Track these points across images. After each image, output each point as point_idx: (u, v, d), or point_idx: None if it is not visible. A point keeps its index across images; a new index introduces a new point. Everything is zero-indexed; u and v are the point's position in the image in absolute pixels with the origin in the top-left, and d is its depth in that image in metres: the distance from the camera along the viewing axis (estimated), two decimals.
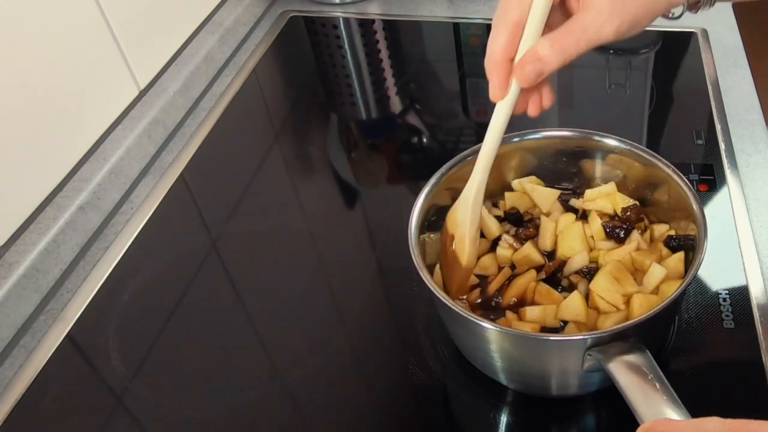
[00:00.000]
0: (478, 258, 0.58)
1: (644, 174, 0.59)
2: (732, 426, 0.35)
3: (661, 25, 0.94)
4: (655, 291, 0.54)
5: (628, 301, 0.53)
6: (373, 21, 1.04)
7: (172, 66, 0.89)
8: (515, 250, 0.59)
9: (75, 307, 0.65)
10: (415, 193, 0.57)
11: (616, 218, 0.60)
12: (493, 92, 0.46)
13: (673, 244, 0.56)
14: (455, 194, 0.61)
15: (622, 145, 0.59)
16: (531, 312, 0.54)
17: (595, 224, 0.59)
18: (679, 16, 0.51)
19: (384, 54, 1.00)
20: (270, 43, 1.01)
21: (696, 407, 0.41)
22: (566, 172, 0.64)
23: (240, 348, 0.63)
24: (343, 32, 1.05)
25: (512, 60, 0.45)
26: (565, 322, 0.54)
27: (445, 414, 0.58)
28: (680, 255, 0.55)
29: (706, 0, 0.49)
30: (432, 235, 0.59)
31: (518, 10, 0.44)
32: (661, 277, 0.54)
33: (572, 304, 0.53)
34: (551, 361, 0.51)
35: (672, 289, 0.52)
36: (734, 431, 0.35)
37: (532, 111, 0.49)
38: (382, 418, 0.58)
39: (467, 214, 0.53)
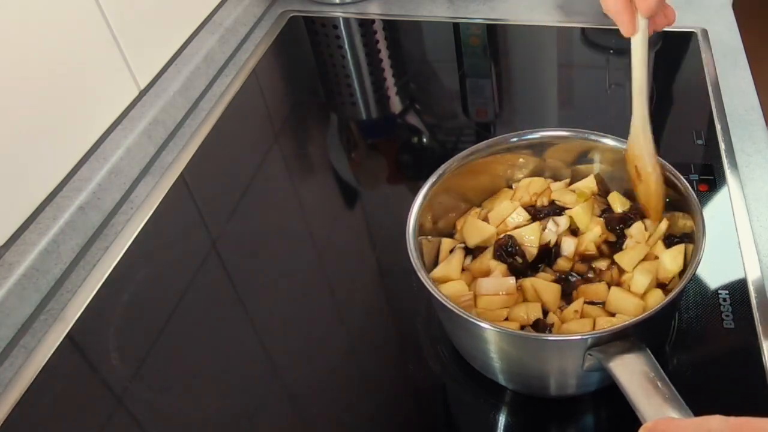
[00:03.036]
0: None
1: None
2: (735, 424, 0.35)
3: None
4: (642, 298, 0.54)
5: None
6: (373, 21, 1.04)
7: (172, 66, 0.89)
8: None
9: (75, 307, 0.65)
10: (415, 193, 0.57)
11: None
12: (626, 29, 0.50)
13: (675, 242, 0.57)
14: (455, 194, 0.61)
15: (622, 145, 0.59)
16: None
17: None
18: None
19: (384, 54, 1.00)
20: (270, 43, 1.01)
21: (696, 406, 0.41)
22: (566, 171, 0.64)
23: (240, 348, 0.63)
24: (343, 32, 1.05)
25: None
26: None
27: (444, 414, 0.58)
28: (680, 248, 0.55)
29: None
30: (431, 237, 0.59)
31: None
32: (647, 285, 0.54)
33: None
34: (551, 361, 0.51)
35: (656, 296, 0.53)
36: (737, 429, 0.35)
37: (660, 25, 0.52)
38: (382, 418, 0.58)
39: (642, 145, 0.56)
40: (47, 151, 0.71)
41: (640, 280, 0.54)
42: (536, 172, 0.64)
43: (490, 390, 0.57)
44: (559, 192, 0.62)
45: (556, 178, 0.64)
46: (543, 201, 0.62)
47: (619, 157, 0.60)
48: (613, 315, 0.53)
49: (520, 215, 0.60)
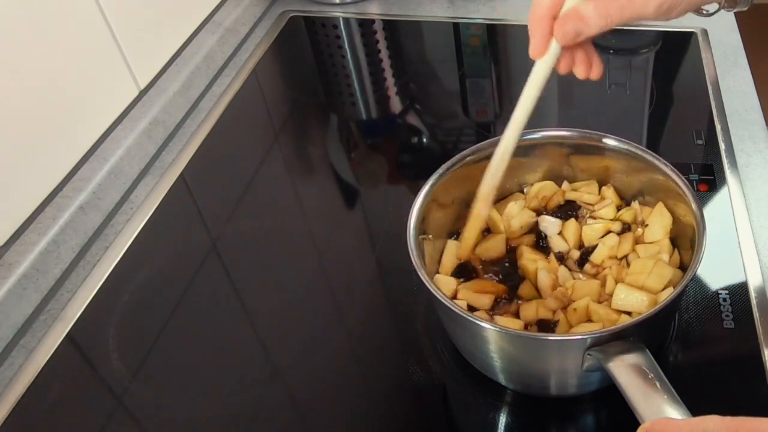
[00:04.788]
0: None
1: (643, 174, 0.59)
2: (732, 424, 0.35)
3: (661, 25, 0.94)
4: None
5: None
6: (373, 21, 1.04)
7: (172, 66, 0.89)
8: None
9: (75, 307, 0.65)
10: (415, 193, 0.57)
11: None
12: (533, 49, 0.46)
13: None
14: (455, 194, 0.61)
15: (622, 145, 0.59)
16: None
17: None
18: (714, 13, 0.51)
19: (384, 54, 1.00)
20: (270, 43, 1.01)
21: (696, 406, 0.41)
22: (565, 172, 0.64)
23: (240, 348, 0.63)
24: (343, 32, 1.05)
25: (555, 18, 0.45)
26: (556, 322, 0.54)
27: (444, 414, 0.58)
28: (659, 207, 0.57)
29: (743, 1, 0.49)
30: (431, 237, 0.59)
31: None
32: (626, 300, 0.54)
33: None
34: (550, 360, 0.51)
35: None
36: (734, 429, 0.35)
37: (580, 74, 0.49)
38: (382, 418, 0.58)
39: (490, 172, 0.54)
40: (47, 151, 0.71)
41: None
42: (548, 176, 0.64)
43: (490, 390, 0.57)
44: (574, 193, 0.63)
45: (554, 179, 0.64)
46: (557, 202, 0.63)
47: (618, 157, 0.60)
48: (618, 313, 0.54)
49: (527, 217, 0.61)
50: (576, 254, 0.59)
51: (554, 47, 0.46)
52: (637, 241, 0.58)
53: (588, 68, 0.48)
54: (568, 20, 0.44)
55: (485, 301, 0.56)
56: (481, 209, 0.56)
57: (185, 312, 0.66)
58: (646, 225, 0.58)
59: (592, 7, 0.44)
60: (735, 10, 0.51)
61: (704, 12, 0.50)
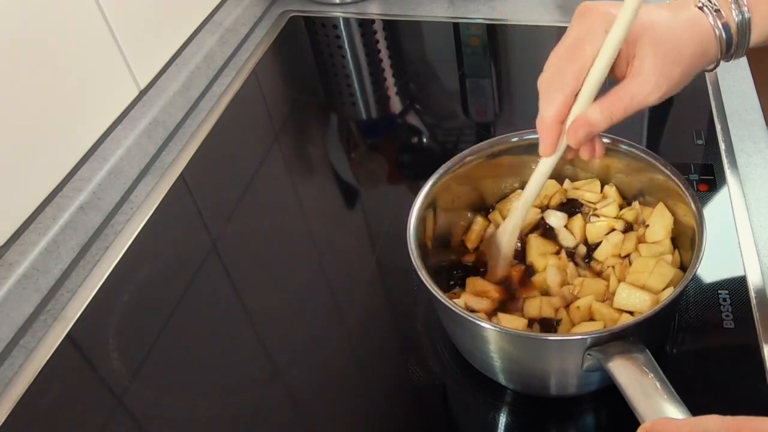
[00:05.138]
0: None
1: (644, 174, 0.59)
2: (731, 424, 0.35)
3: None
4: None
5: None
6: (373, 21, 1.04)
7: (172, 66, 0.89)
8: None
9: (75, 307, 0.65)
10: (415, 193, 0.57)
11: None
12: (544, 150, 0.51)
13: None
14: (455, 194, 0.61)
15: (622, 146, 0.59)
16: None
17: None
18: (713, 69, 0.55)
19: (384, 54, 1.00)
20: (270, 43, 1.01)
21: (696, 406, 0.41)
22: (566, 170, 0.64)
23: (240, 348, 0.63)
24: (343, 32, 1.05)
25: (562, 123, 0.50)
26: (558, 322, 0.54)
27: (444, 414, 0.58)
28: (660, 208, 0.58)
29: (738, 51, 0.53)
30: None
31: (575, 81, 0.48)
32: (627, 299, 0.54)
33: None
34: (550, 360, 0.51)
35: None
36: (734, 429, 0.35)
37: (585, 157, 0.53)
38: (382, 418, 0.58)
39: (501, 245, 0.58)
40: (47, 151, 0.71)
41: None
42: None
43: (490, 390, 0.57)
44: (576, 191, 0.63)
45: (572, 179, 0.64)
46: (558, 200, 0.63)
47: (618, 157, 0.60)
48: (620, 312, 0.54)
49: (530, 215, 0.61)
50: (583, 250, 0.59)
51: (562, 146, 0.51)
52: (639, 240, 0.58)
53: (593, 152, 0.53)
54: (578, 128, 0.49)
55: (485, 304, 0.56)
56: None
57: (185, 312, 0.66)
58: (647, 225, 0.58)
59: (598, 111, 0.48)
60: (732, 60, 0.55)
61: (707, 70, 0.55)
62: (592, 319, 0.54)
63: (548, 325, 0.54)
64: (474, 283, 0.58)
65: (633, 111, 0.49)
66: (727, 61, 0.54)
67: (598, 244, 0.59)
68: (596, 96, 0.49)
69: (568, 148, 0.51)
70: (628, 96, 0.48)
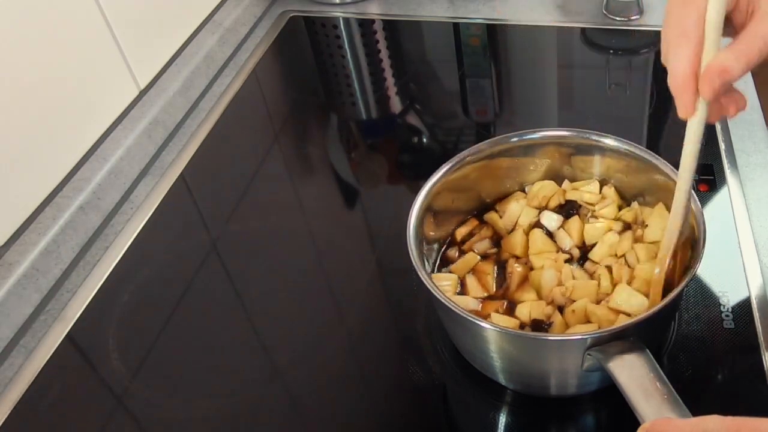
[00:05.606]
0: None
1: (643, 174, 0.59)
2: (731, 424, 0.35)
3: (661, 25, 0.94)
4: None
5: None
6: (373, 21, 1.04)
7: (172, 66, 0.89)
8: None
9: (75, 307, 0.65)
10: (415, 193, 0.57)
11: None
12: (684, 110, 0.46)
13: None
14: (455, 194, 0.61)
15: (622, 145, 0.59)
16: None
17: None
18: None
19: (384, 54, 1.00)
20: (270, 43, 1.01)
21: (696, 407, 0.41)
22: (565, 171, 0.64)
23: (240, 348, 0.63)
24: (343, 32, 1.05)
25: (696, 75, 0.45)
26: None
27: (444, 414, 0.58)
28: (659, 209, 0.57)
29: None
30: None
31: (699, 28, 0.43)
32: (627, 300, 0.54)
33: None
34: (550, 360, 0.51)
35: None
36: (734, 429, 0.35)
37: (732, 113, 0.48)
38: (382, 418, 0.58)
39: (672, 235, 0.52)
40: (47, 151, 0.71)
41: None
42: (548, 175, 0.64)
43: (490, 390, 0.57)
44: (575, 192, 0.63)
45: (571, 179, 0.64)
46: (557, 201, 0.63)
47: (618, 157, 0.60)
48: (616, 313, 0.54)
49: (529, 216, 0.61)
50: (577, 253, 0.59)
51: (703, 104, 0.46)
52: (637, 240, 0.58)
53: (737, 105, 0.48)
54: (714, 77, 0.44)
55: (479, 291, 0.56)
56: (657, 280, 0.54)
57: (185, 312, 0.66)
58: (646, 225, 0.58)
59: (733, 57, 0.44)
60: None
61: None
62: (588, 321, 0.54)
63: (539, 327, 0.54)
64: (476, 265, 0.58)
65: (767, 56, 0.44)
66: None
67: (594, 246, 0.59)
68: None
69: (711, 110, 0.46)
70: (760, 37, 0.43)
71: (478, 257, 0.60)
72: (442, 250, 0.62)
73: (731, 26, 0.46)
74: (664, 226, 0.56)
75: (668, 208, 0.57)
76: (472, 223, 0.63)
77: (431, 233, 0.59)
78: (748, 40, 0.44)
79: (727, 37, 0.46)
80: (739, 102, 0.47)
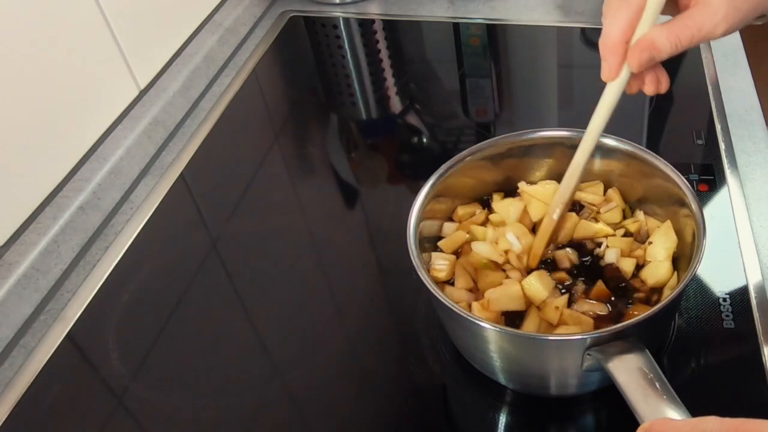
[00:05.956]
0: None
1: (643, 174, 0.59)
2: (730, 425, 0.35)
3: None
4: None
5: None
6: (373, 21, 1.04)
7: (172, 66, 0.89)
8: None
9: (75, 307, 0.65)
10: (415, 193, 0.57)
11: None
12: (607, 73, 0.48)
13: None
14: (455, 194, 0.61)
15: (622, 146, 0.59)
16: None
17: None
18: (763, 22, 0.52)
19: (384, 54, 1.00)
20: (270, 43, 1.01)
21: (695, 407, 0.41)
22: (564, 171, 0.64)
23: (240, 348, 0.63)
24: (343, 32, 1.05)
25: (626, 43, 0.46)
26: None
27: (444, 414, 0.58)
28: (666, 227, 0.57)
29: None
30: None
31: None
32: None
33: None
34: (550, 360, 0.51)
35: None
36: (733, 430, 0.35)
37: (649, 91, 0.50)
38: (382, 418, 0.58)
39: (560, 189, 0.56)
40: (47, 150, 0.71)
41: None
42: (550, 176, 0.64)
43: (490, 390, 0.57)
44: (578, 193, 0.62)
45: (554, 179, 0.64)
46: None
47: (618, 157, 0.60)
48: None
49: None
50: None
51: (626, 71, 0.48)
52: (639, 261, 0.58)
53: (657, 84, 0.50)
54: (643, 49, 0.46)
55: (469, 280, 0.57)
56: (548, 224, 0.57)
57: (185, 312, 0.66)
58: (650, 242, 0.58)
59: (665, 35, 0.45)
60: None
61: (763, 19, 0.51)
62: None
63: (512, 319, 0.54)
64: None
65: (699, 41, 0.46)
66: None
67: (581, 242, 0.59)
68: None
69: (634, 78, 0.48)
70: (696, 25, 0.45)
71: (467, 235, 0.60)
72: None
73: (675, 6, 0.48)
74: (668, 247, 0.56)
75: (675, 227, 0.57)
76: (474, 205, 0.63)
77: (432, 233, 0.59)
78: (684, 24, 0.45)
79: (667, 15, 0.47)
80: (661, 82, 0.49)
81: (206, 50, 0.94)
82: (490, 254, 0.57)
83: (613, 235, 0.59)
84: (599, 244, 0.59)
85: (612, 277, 0.56)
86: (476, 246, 0.58)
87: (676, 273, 0.56)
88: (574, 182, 0.55)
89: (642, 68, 0.47)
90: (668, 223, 0.58)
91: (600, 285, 0.55)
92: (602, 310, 0.54)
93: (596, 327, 0.53)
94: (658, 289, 0.55)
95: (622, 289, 0.56)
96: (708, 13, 0.45)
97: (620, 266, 0.57)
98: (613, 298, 0.55)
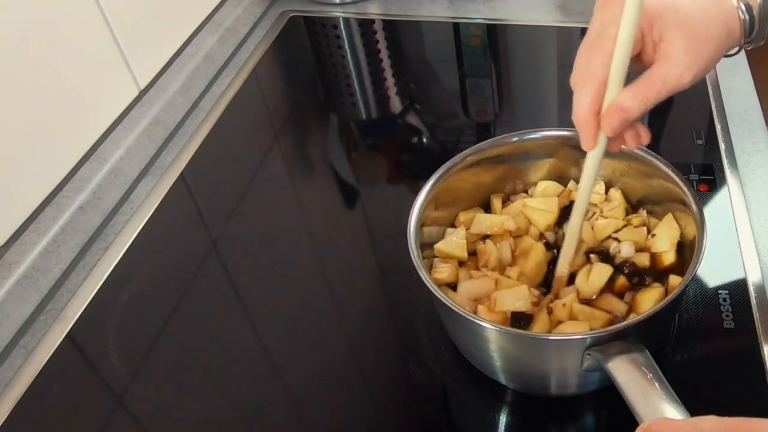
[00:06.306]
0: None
1: (644, 174, 0.59)
2: (729, 425, 0.35)
3: None
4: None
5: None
6: (373, 21, 1.04)
7: (172, 66, 0.89)
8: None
9: (75, 307, 0.65)
10: (415, 193, 0.57)
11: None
12: (585, 144, 0.50)
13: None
14: (455, 194, 0.61)
15: (623, 146, 0.59)
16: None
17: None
18: (735, 54, 0.54)
19: (384, 54, 1.00)
20: (270, 43, 1.01)
21: (695, 407, 0.41)
22: (565, 172, 0.64)
23: (240, 348, 0.63)
24: (343, 32, 1.05)
25: (598, 114, 0.48)
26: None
27: (444, 414, 0.58)
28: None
29: (759, 36, 0.51)
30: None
31: (603, 70, 0.46)
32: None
33: None
34: (550, 360, 0.51)
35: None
36: (731, 430, 0.35)
37: (631, 146, 0.51)
38: (382, 418, 0.58)
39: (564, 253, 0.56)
40: (47, 151, 0.71)
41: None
42: (551, 176, 0.64)
43: (490, 389, 0.57)
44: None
45: (554, 179, 0.64)
46: (563, 202, 0.62)
47: (618, 157, 0.60)
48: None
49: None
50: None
51: (603, 138, 0.49)
52: (643, 249, 0.58)
53: (637, 139, 0.51)
54: (613, 115, 0.47)
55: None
56: (561, 277, 0.57)
57: (185, 312, 0.66)
58: (653, 234, 0.58)
59: (630, 96, 0.46)
60: (751, 47, 0.53)
61: (727, 54, 0.53)
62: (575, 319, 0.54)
63: (519, 319, 0.54)
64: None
65: (666, 94, 0.47)
66: (748, 47, 0.53)
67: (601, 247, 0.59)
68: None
69: (614, 139, 0.50)
70: (660, 79, 0.47)
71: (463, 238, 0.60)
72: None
73: (640, 63, 0.49)
74: (672, 236, 0.57)
75: (676, 218, 0.57)
76: (476, 210, 0.63)
77: (432, 233, 0.59)
78: (649, 81, 0.47)
79: (640, 69, 0.49)
80: (641, 136, 0.51)
81: (206, 50, 0.94)
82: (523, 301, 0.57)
83: (626, 226, 0.59)
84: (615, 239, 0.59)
85: (630, 272, 0.57)
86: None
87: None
88: (572, 249, 0.56)
89: (617, 132, 0.48)
90: (669, 215, 0.58)
91: (622, 279, 0.56)
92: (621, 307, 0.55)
93: (612, 323, 0.53)
94: (663, 277, 0.56)
95: (640, 281, 0.56)
96: (670, 66, 0.47)
97: (635, 260, 0.57)
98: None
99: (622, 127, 0.48)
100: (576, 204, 0.54)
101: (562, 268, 0.56)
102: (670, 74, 0.47)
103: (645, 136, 0.51)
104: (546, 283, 0.58)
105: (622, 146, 0.51)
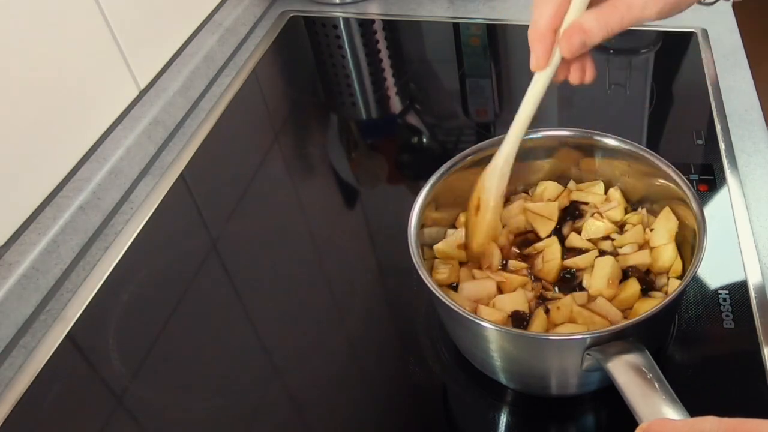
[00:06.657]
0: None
1: (644, 174, 0.59)
2: (728, 425, 0.35)
3: (662, 25, 0.94)
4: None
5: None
6: (373, 21, 1.04)
7: (172, 66, 0.89)
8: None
9: (75, 307, 0.65)
10: (415, 193, 0.57)
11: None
12: (535, 62, 0.48)
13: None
14: (455, 194, 0.61)
15: (622, 145, 0.59)
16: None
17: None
18: (714, 2, 0.51)
19: (384, 54, 1.00)
20: (270, 43, 1.01)
21: (695, 407, 0.41)
22: (565, 172, 0.64)
23: (240, 348, 0.63)
24: (343, 32, 1.05)
25: (556, 31, 0.46)
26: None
27: (444, 414, 0.58)
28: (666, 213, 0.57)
29: None
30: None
31: None
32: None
33: None
34: (550, 360, 0.51)
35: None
36: (731, 430, 0.35)
37: (574, 80, 0.50)
38: (382, 418, 0.58)
39: (493, 182, 0.55)
40: (47, 151, 0.71)
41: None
42: (551, 176, 0.64)
43: (490, 389, 0.57)
44: (580, 193, 0.63)
45: (577, 180, 0.64)
46: (562, 203, 0.62)
47: (618, 157, 0.60)
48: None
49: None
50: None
51: (556, 59, 0.47)
52: (643, 246, 0.58)
53: (582, 74, 0.49)
54: (573, 34, 0.45)
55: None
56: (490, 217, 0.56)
57: (185, 312, 0.66)
58: (652, 229, 0.58)
59: (593, 18, 0.45)
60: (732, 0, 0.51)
61: (704, 1, 0.50)
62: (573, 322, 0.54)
63: (520, 320, 0.54)
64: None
65: (629, 23, 0.45)
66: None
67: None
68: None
69: (560, 67, 0.48)
70: (624, 6, 0.45)
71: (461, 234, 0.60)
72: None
73: None
74: (670, 229, 0.57)
75: (674, 212, 0.57)
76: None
77: (432, 233, 0.59)
78: (613, 6, 0.45)
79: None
80: (587, 71, 0.49)
81: (206, 50, 0.94)
82: None
83: (620, 233, 0.59)
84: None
85: (638, 277, 0.56)
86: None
87: (680, 259, 0.56)
88: (498, 178, 0.54)
89: (574, 54, 0.46)
90: (667, 208, 0.58)
91: (634, 284, 0.56)
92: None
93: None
94: (664, 273, 0.56)
95: (649, 283, 0.56)
96: None
97: (637, 264, 0.57)
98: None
99: (580, 50, 0.46)
100: (512, 130, 0.52)
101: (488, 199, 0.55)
102: (635, 2, 0.45)
103: (590, 73, 0.49)
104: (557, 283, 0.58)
105: (568, 78, 0.49)
